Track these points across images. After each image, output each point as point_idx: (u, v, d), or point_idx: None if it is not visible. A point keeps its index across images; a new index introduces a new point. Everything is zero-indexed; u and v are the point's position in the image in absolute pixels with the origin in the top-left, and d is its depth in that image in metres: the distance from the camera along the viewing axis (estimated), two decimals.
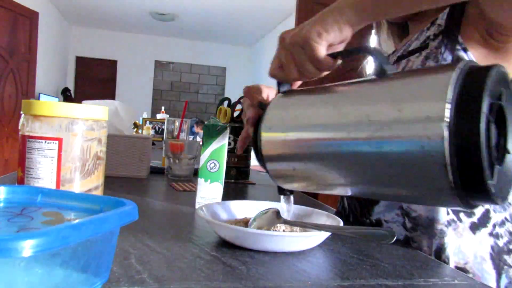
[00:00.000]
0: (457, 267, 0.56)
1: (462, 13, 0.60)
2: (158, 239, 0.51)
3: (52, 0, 5.70)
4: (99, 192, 0.57)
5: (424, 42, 0.63)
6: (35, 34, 4.58)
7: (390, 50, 0.80)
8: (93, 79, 7.15)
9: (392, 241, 0.43)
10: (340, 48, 0.51)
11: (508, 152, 0.36)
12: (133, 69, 7.26)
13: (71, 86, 6.97)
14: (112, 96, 6.92)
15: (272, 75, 0.54)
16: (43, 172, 0.52)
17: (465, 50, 0.58)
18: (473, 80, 0.34)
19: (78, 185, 0.54)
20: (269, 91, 0.66)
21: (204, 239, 0.53)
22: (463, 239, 0.57)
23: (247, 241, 0.48)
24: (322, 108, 0.46)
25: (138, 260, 0.43)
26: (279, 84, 0.55)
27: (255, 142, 0.52)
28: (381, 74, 0.42)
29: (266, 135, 0.50)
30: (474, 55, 0.58)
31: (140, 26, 6.72)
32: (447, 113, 0.34)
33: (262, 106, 0.54)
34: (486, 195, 0.34)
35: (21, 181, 0.53)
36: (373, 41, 0.88)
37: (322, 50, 0.48)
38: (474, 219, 0.57)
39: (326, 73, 0.51)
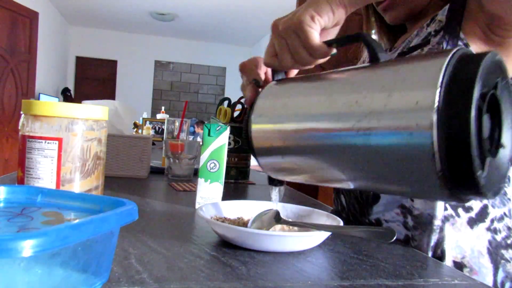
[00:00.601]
0: (454, 262, 0.57)
1: (462, 8, 0.60)
2: (158, 239, 0.51)
3: (52, 0, 5.70)
4: (99, 192, 0.57)
5: (426, 38, 0.63)
6: (35, 34, 4.58)
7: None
8: (93, 79, 7.15)
9: (392, 240, 0.43)
10: (334, 33, 0.50)
11: (502, 146, 0.35)
12: (133, 69, 7.25)
13: (71, 86, 6.96)
14: (112, 96, 6.92)
15: (266, 63, 0.53)
16: (43, 172, 0.52)
17: (466, 45, 0.59)
18: (466, 67, 0.33)
19: (78, 185, 0.54)
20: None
21: (204, 239, 0.53)
22: (461, 234, 0.57)
23: (247, 241, 0.48)
24: (311, 96, 0.45)
25: (138, 260, 0.43)
26: (274, 73, 0.54)
27: (246, 131, 0.51)
28: (374, 61, 0.41)
29: (255, 125, 0.49)
30: (475, 51, 0.58)
31: (140, 26, 6.72)
32: (437, 100, 0.32)
33: (258, 84, 0.53)
34: (475, 187, 0.33)
35: (21, 181, 0.53)
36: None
37: (315, 35, 0.47)
38: (472, 214, 0.58)
39: (321, 61, 0.50)
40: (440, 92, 0.32)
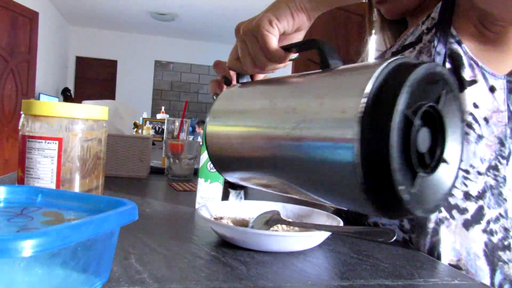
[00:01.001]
0: (450, 265, 0.56)
1: (453, 5, 0.59)
2: (158, 239, 0.51)
3: (52, 0, 5.70)
4: (99, 192, 0.57)
5: (419, 36, 0.63)
6: (35, 34, 4.58)
7: (383, 48, 0.80)
8: (93, 79, 7.15)
9: (392, 240, 0.43)
10: (298, 38, 0.50)
11: (445, 162, 0.33)
12: (133, 69, 7.25)
13: (71, 86, 6.96)
14: (112, 96, 6.92)
15: (229, 66, 0.53)
16: (43, 172, 0.52)
17: (459, 43, 0.58)
18: (396, 76, 0.31)
19: (78, 185, 0.54)
20: None
21: (204, 239, 0.53)
22: (456, 236, 0.57)
23: (247, 241, 0.48)
24: (257, 100, 0.45)
25: (138, 260, 0.43)
26: (239, 76, 0.53)
27: (204, 134, 0.51)
28: (324, 67, 0.40)
29: (210, 127, 0.49)
30: (469, 48, 0.58)
31: (140, 26, 6.72)
32: (360, 109, 0.30)
33: (227, 82, 0.53)
34: (398, 203, 0.30)
35: (21, 181, 0.53)
36: (372, 41, 0.87)
37: (272, 40, 0.46)
38: (467, 215, 0.57)
39: (280, 66, 0.49)
40: (366, 102, 0.31)
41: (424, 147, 0.32)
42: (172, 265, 0.42)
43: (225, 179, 0.53)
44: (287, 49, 0.47)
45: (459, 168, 0.36)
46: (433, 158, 0.33)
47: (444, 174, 0.34)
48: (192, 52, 7.49)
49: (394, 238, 0.43)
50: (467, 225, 0.57)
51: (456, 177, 0.35)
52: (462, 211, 0.57)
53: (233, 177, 0.50)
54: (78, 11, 6.14)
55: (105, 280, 0.35)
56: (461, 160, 0.36)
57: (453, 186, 0.35)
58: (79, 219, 0.29)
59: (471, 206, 0.57)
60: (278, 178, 0.41)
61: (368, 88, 0.31)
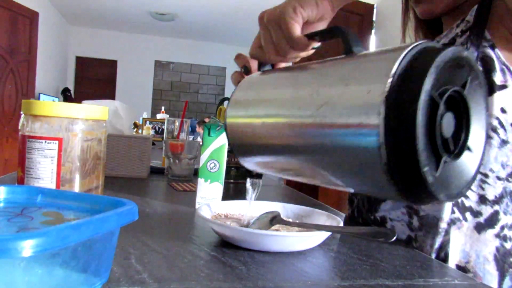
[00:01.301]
0: (457, 266, 0.56)
1: (489, 9, 0.59)
2: (158, 239, 0.51)
3: (52, 0, 5.70)
4: (99, 192, 0.57)
5: (453, 38, 0.63)
6: (35, 34, 4.58)
7: None
8: (93, 79, 7.15)
9: (392, 240, 0.42)
10: (320, 27, 0.50)
11: (468, 149, 0.33)
12: (133, 69, 7.25)
13: (71, 86, 6.96)
14: (112, 96, 6.92)
15: (251, 54, 0.53)
16: (43, 172, 0.52)
17: (492, 47, 0.58)
18: (422, 58, 0.31)
19: (78, 185, 0.54)
20: None
21: (204, 239, 0.53)
22: (467, 238, 0.56)
23: (247, 241, 0.48)
24: (280, 86, 0.45)
25: (138, 260, 0.43)
26: (260, 65, 0.53)
27: (224, 123, 0.51)
28: (348, 53, 0.40)
29: (230, 116, 0.49)
30: (502, 52, 0.57)
31: (140, 26, 6.72)
32: (386, 89, 0.30)
33: (246, 71, 0.53)
34: (422, 184, 0.30)
35: (21, 181, 0.53)
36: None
37: (296, 27, 0.46)
38: (481, 219, 0.56)
39: (303, 54, 0.49)
40: (391, 82, 0.30)
41: (448, 132, 0.31)
42: (172, 265, 0.42)
43: (245, 168, 0.52)
44: (311, 37, 0.46)
45: (483, 157, 0.35)
46: (457, 145, 0.33)
47: (467, 162, 0.34)
48: (192, 52, 7.49)
49: (394, 238, 0.43)
50: (479, 228, 0.56)
51: (480, 166, 0.35)
52: (476, 214, 0.57)
53: (253, 163, 0.49)
54: (78, 11, 6.14)
55: (105, 280, 0.35)
56: (484, 149, 0.35)
57: (477, 173, 0.35)
58: (79, 219, 0.29)
59: (486, 210, 0.56)
60: (300, 162, 0.41)
61: (394, 68, 0.31)
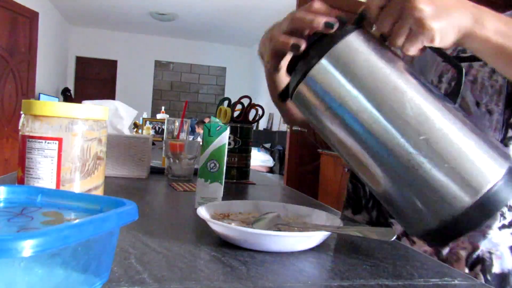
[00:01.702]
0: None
1: None
2: (158, 239, 0.51)
3: (52, 0, 5.70)
4: (99, 192, 0.57)
5: None
6: (35, 34, 4.58)
7: None
8: (93, 79, 7.15)
9: (392, 239, 0.42)
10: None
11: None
12: (133, 69, 7.25)
13: (71, 86, 6.96)
14: (112, 96, 6.92)
15: (365, 14, 0.50)
16: (43, 172, 0.52)
17: None
18: None
19: (78, 185, 0.54)
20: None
21: (204, 239, 0.53)
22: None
23: (247, 241, 0.48)
24: (388, 84, 0.46)
25: (138, 260, 0.43)
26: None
27: (305, 54, 0.49)
28: (452, 97, 0.46)
29: (326, 62, 0.47)
30: None
31: (140, 26, 6.72)
32: (484, 191, 0.42)
33: (343, 21, 0.50)
34: (449, 236, 0.47)
35: (21, 181, 0.53)
36: None
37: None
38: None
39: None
40: (488, 187, 0.42)
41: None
42: (172, 265, 0.42)
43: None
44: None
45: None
46: None
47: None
48: (192, 52, 7.49)
49: (394, 238, 0.43)
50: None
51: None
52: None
53: (314, 124, 0.51)
54: (78, 11, 6.14)
55: (105, 280, 0.35)
56: None
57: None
58: (79, 219, 0.29)
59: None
60: (374, 163, 0.47)
61: (498, 177, 0.43)
